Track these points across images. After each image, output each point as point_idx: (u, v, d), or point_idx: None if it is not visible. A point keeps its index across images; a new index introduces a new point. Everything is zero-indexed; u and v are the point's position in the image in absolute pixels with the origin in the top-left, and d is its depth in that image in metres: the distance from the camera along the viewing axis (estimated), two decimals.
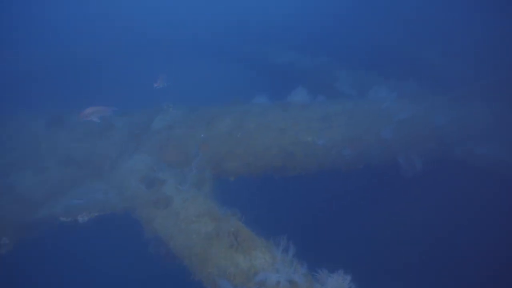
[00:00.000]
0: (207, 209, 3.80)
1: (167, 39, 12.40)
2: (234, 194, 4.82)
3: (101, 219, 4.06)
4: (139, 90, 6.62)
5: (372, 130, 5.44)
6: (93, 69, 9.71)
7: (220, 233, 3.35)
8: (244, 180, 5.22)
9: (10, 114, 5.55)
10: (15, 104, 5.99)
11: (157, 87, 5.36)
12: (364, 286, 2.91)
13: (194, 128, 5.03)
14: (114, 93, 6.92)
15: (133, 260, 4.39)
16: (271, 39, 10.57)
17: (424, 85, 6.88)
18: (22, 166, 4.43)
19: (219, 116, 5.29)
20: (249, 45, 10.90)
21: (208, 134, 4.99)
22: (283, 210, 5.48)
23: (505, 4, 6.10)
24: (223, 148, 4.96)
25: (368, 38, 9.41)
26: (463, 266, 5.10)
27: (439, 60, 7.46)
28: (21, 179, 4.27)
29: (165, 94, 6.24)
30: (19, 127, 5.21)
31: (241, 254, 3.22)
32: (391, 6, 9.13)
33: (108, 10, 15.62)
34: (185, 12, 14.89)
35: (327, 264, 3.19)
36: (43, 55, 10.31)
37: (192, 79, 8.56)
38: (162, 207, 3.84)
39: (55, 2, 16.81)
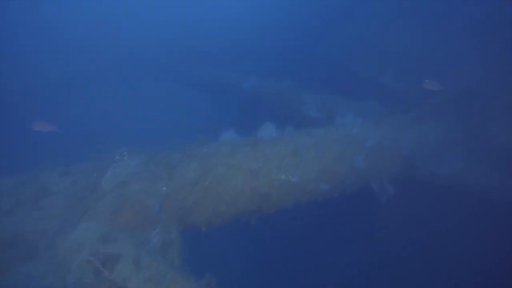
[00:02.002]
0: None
1: (118, 65, 11.35)
2: (207, 253, 4.27)
3: None
4: (84, 133, 5.75)
5: (344, 160, 5.37)
6: (28, 108, 8.21)
7: None
8: (217, 232, 4.71)
9: None
10: None
11: (40, 131, 4.54)
12: None
13: (154, 181, 4.40)
14: (51, 144, 5.83)
15: None
16: (230, 63, 10.37)
17: (384, 105, 7.19)
18: None
19: (183, 162, 4.74)
20: (210, 71, 10.56)
21: (171, 186, 4.40)
22: (261, 261, 5.03)
23: (454, 27, 6.73)
24: (190, 200, 4.41)
25: (326, 59, 9.75)
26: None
27: (394, 80, 7.92)
28: None
29: (118, 138, 5.51)
30: None
31: None
32: (344, 29, 9.63)
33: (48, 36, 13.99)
34: (138, 36, 13.83)
35: None
36: None
37: (151, 114, 7.80)
38: None
39: None
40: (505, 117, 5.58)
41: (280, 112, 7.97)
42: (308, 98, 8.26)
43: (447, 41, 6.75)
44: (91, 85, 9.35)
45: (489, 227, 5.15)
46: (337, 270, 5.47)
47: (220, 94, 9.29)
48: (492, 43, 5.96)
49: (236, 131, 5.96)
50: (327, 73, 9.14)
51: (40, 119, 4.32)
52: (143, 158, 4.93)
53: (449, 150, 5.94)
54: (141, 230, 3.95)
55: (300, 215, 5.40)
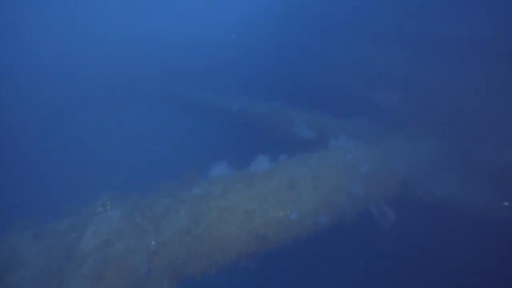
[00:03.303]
0: None
1: (94, 91, 10.51)
2: None
3: None
4: (61, 179, 5.12)
5: (342, 189, 5.17)
6: None
7: None
8: (213, 280, 4.33)
9: None
10: None
11: None
12: None
13: (141, 235, 4.00)
14: (21, 196, 4.99)
15: None
16: (218, 84, 10.04)
17: (376, 123, 7.13)
18: None
19: (171, 209, 4.37)
20: (196, 93, 10.19)
21: (160, 239, 4.01)
22: None
23: (442, 47, 6.80)
24: (181, 253, 4.02)
25: (315, 77, 9.68)
26: None
27: (380, 98, 7.92)
28: None
29: (100, 181, 5.03)
30: None
31: None
32: (333, 47, 9.63)
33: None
34: (117, 58, 12.80)
35: None
36: None
37: (134, 147, 7.21)
38: None
39: None
40: (497, 135, 5.60)
41: (271, 135, 7.73)
42: (299, 118, 8.09)
43: (437, 61, 6.82)
44: (64, 117, 8.43)
45: (488, 247, 5.08)
46: None
47: (208, 117, 8.93)
48: (483, 62, 6.04)
49: (228, 163, 5.66)
50: (317, 92, 9.05)
51: None
52: (128, 206, 4.51)
53: (444, 170, 5.89)
54: None
55: (301, 250, 5.11)
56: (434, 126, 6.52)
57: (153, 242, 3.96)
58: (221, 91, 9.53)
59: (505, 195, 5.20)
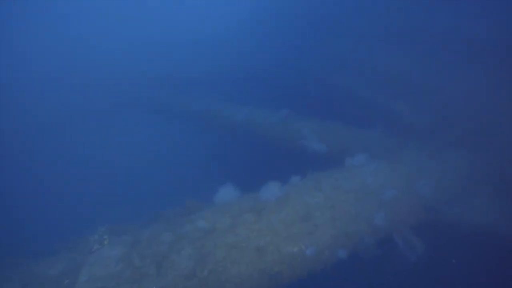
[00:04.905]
0: None
1: (86, 104, 9.91)
2: None
3: None
4: (51, 208, 4.61)
5: (362, 218, 4.65)
6: None
7: None
8: None
9: None
10: None
11: None
12: None
13: (141, 280, 3.58)
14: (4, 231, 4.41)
15: None
16: (217, 91, 9.43)
17: (394, 138, 6.55)
18: None
19: (174, 248, 3.93)
20: (195, 102, 9.60)
21: (162, 285, 3.58)
22: None
23: (457, 55, 6.17)
24: None
25: (323, 81, 9.12)
26: None
27: (396, 106, 7.33)
28: None
29: (94, 212, 4.62)
30: None
31: None
32: (342, 47, 9.01)
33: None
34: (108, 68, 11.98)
35: None
36: None
37: (132, 168, 6.62)
38: None
39: None
40: None
41: (280, 150, 7.20)
42: (309, 129, 7.54)
43: (460, 65, 6.18)
44: (53, 137, 7.75)
45: None
46: None
47: (209, 130, 8.42)
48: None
49: (234, 186, 5.20)
50: (325, 98, 8.47)
51: None
52: (127, 241, 4.10)
53: (473, 190, 5.31)
54: None
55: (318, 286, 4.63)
56: (459, 139, 5.92)
57: None
58: (222, 99, 8.98)
59: None
